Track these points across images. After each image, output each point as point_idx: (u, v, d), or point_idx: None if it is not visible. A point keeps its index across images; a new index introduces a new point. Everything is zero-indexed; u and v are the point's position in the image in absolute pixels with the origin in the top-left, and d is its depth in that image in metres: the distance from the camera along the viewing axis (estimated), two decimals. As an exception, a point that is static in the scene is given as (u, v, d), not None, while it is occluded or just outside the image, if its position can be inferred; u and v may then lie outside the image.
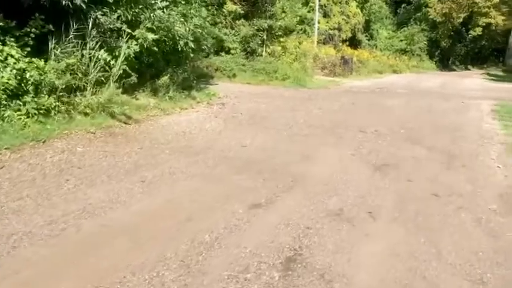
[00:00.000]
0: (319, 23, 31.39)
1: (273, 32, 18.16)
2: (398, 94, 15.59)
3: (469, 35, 39.42)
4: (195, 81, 11.30)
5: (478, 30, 37.34)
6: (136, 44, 8.31)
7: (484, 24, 36.96)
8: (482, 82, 26.38)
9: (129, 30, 8.19)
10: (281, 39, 18.74)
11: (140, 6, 8.29)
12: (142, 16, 8.41)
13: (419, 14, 40.94)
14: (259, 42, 17.80)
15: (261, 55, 17.87)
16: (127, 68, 8.20)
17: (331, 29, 33.09)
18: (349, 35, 34.52)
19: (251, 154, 6.31)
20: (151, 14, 8.37)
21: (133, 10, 8.20)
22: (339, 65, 24.81)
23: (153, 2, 8.60)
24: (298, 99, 12.81)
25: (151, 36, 8.28)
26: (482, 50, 47.26)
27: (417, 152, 6.71)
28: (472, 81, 26.86)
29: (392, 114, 10.55)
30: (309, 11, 30.73)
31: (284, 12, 18.90)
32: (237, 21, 17.28)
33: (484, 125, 9.11)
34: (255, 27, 17.42)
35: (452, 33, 40.06)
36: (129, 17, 8.12)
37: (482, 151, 6.86)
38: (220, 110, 9.93)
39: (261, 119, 9.19)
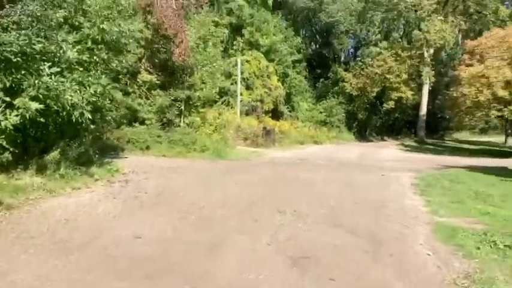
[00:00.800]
0: (241, 95, 31.65)
1: (191, 102, 17.51)
2: (319, 166, 15.23)
3: (383, 108, 41.75)
4: (96, 156, 10.02)
5: (391, 104, 39.71)
6: (17, 115, 7.04)
7: (396, 98, 39.43)
8: (398, 153, 27.36)
9: (7, 99, 6.93)
10: (200, 110, 18.10)
11: (23, 72, 7.12)
12: (25, 83, 7.21)
13: (336, 88, 43.09)
14: (177, 112, 17.00)
15: (179, 126, 17.01)
16: (3, 142, 6.84)
17: (254, 101, 33.42)
18: (271, 106, 35.05)
19: (144, 249, 5.13)
20: (37, 81, 7.20)
21: (13, 76, 7.00)
22: (261, 135, 24.62)
23: (41, 67, 7.47)
24: (215, 173, 11.89)
25: (34, 105, 7.06)
26: (396, 122, 50.26)
27: (340, 238, 5.89)
28: (389, 151, 27.78)
29: (312, 189, 9.89)
30: (231, 83, 30.89)
31: (204, 83, 18.45)
32: (152, 91, 16.43)
33: (406, 201, 8.65)
34: (172, 97, 16.66)
35: (368, 106, 42.33)
36: (8, 84, 6.88)
37: (409, 234, 6.20)
38: (122, 188, 8.68)
39: (168, 199, 8.06)
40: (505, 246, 5.57)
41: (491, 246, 5.60)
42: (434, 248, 5.52)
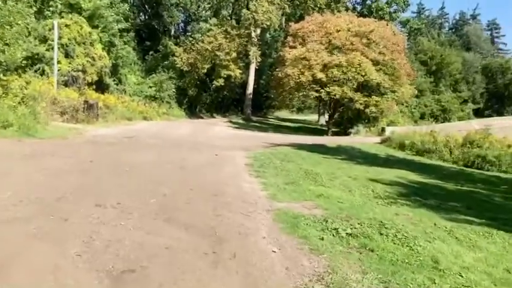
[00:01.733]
0: (60, 63, 27.94)
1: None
2: (149, 145, 13.94)
3: (213, 85, 41.82)
4: None
5: (221, 81, 39.93)
6: None
7: (225, 75, 39.77)
8: (228, 130, 27.56)
9: None
10: (2, 77, 14.93)
11: None
12: None
13: (167, 62, 41.49)
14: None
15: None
16: None
17: (75, 71, 29.94)
18: (95, 78, 31.92)
19: None
20: None
21: None
22: (82, 110, 21.92)
23: None
24: (15, 157, 9.63)
25: None
26: (225, 100, 51.10)
27: (173, 238, 4.88)
28: (220, 129, 27.78)
29: (141, 174, 8.64)
30: (47, 49, 27.03)
31: (6, 44, 15.22)
32: None
33: (243, 185, 8.08)
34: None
35: (198, 82, 41.86)
36: None
37: (251, 225, 5.53)
38: None
39: None
40: (347, 234, 5.30)
41: (333, 235, 5.28)
42: (280, 243, 4.93)
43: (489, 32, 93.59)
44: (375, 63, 29.06)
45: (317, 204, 6.78)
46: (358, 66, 27.72)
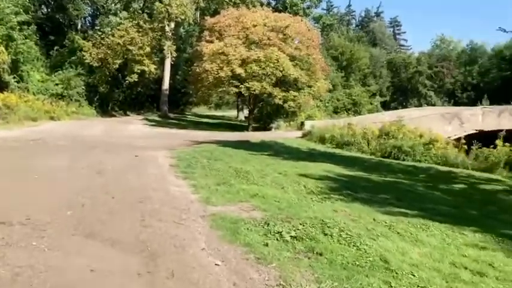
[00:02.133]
0: None
1: None
2: (59, 148, 12.63)
3: (126, 81, 39.83)
4: None
5: (134, 77, 38.05)
6: None
7: (139, 71, 38.01)
8: (145, 128, 26.30)
9: None
10: None
11: None
12: None
13: (74, 58, 38.68)
14: None
15: None
16: None
17: (-33, 67, 26.98)
18: None
19: None
20: None
21: None
22: (-24, 111, 19.57)
23: None
24: None
25: None
26: (139, 96, 49.02)
27: (98, 257, 4.18)
28: (136, 127, 26.40)
29: (53, 182, 7.64)
30: None
31: None
32: None
33: (172, 189, 7.42)
34: None
35: (109, 78, 39.59)
36: None
37: (187, 235, 4.96)
38: None
39: None
40: (291, 237, 4.94)
41: (278, 239, 4.89)
42: (222, 254, 4.42)
43: (391, 29, 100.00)
44: (292, 58, 29.41)
45: (254, 206, 6.36)
46: (276, 61, 27.83)
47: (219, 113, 64.76)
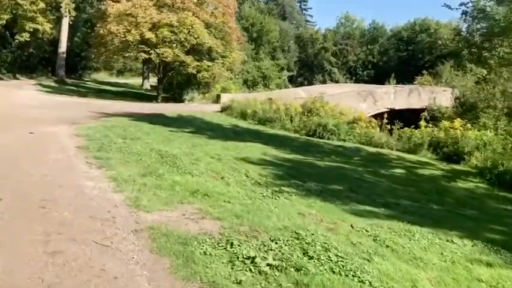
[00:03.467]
0: None
1: None
2: None
3: (16, 41, 34.79)
4: None
5: (25, 36, 33.23)
6: None
7: (31, 29, 33.25)
8: (40, 95, 22.86)
9: None
10: None
11: None
12: None
13: (-51, 8, 32.67)
14: None
15: None
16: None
17: None
18: None
19: None
20: None
21: None
22: None
23: None
24: None
25: None
26: (31, 58, 43.49)
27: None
28: (28, 93, 22.84)
29: None
30: None
31: None
32: None
33: (85, 184, 5.60)
34: None
35: (-5, 36, 34.28)
36: None
37: (120, 271, 3.36)
38: None
39: None
40: (269, 267, 3.59)
41: (252, 271, 3.51)
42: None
43: (299, 4, 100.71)
44: (207, 25, 27.47)
45: (202, 210, 4.89)
46: (190, 27, 25.73)
47: (121, 80, 60.01)
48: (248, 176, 7.38)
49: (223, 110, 19.84)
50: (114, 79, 59.90)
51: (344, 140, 15.90)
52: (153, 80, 48.25)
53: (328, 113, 18.25)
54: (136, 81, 57.04)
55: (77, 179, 5.80)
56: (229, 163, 8.29)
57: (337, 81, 66.42)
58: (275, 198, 6.04)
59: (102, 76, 60.03)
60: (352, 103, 22.64)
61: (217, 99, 25.51)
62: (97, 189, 5.40)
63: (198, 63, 26.87)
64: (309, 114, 17.87)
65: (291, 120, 17.70)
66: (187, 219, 4.55)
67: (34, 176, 5.74)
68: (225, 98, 24.28)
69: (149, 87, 47.62)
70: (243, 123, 17.12)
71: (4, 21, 32.37)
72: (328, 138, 15.93)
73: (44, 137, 8.79)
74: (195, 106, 23.30)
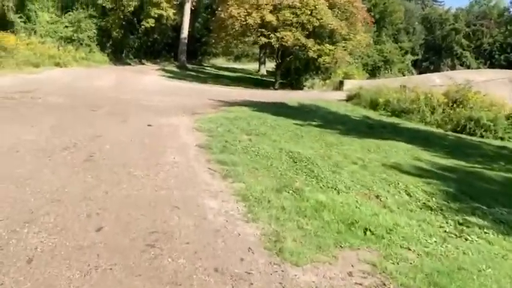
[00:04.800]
0: None
1: None
2: (48, 107, 9.48)
3: (142, 27, 36.14)
4: None
5: (151, 22, 34.34)
6: None
7: (156, 15, 34.22)
8: (162, 80, 23.01)
9: None
10: None
11: None
12: None
13: (86, -2, 34.87)
14: None
15: None
16: None
17: (-36, 3, 23.91)
18: None
19: None
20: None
21: None
22: (-38, 53, 16.50)
23: None
24: None
25: None
26: (155, 44, 45.33)
27: None
28: (151, 79, 23.14)
29: (11, 175, 4.58)
30: None
31: None
32: None
33: (208, 206, 4.28)
34: None
35: (124, 22, 35.85)
36: None
37: None
38: None
39: None
40: None
41: None
42: None
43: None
44: (330, 5, 25.41)
45: (374, 266, 3.24)
46: (313, 7, 23.95)
47: (238, 65, 60.31)
48: (410, 194, 5.55)
49: (349, 98, 17.83)
50: (231, 64, 60.49)
51: (502, 139, 13.06)
52: (269, 66, 47.55)
53: (477, 104, 15.30)
54: (252, 66, 56.92)
55: (198, 195, 4.50)
56: (378, 172, 6.50)
57: (468, 67, 59.92)
58: (466, 239, 4.17)
59: (220, 61, 61.04)
60: (503, 92, 19.07)
61: (339, 86, 23.55)
62: (223, 214, 4.02)
63: (319, 47, 25.05)
64: (454, 106, 15.12)
65: (432, 112, 15.13)
66: (355, 285, 2.93)
67: (145, 188, 4.57)
68: (349, 85, 22.21)
69: (265, 73, 46.99)
70: (374, 115, 15.02)
71: (132, 8, 33.66)
72: (482, 136, 13.21)
73: (163, 130, 7.81)
74: (316, 94, 21.59)
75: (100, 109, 9.79)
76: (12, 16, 28.38)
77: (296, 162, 6.36)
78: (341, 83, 23.25)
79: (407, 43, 60.08)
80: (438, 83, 21.10)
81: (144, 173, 5.02)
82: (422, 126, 13.83)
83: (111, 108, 10.09)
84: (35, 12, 31.52)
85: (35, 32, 29.71)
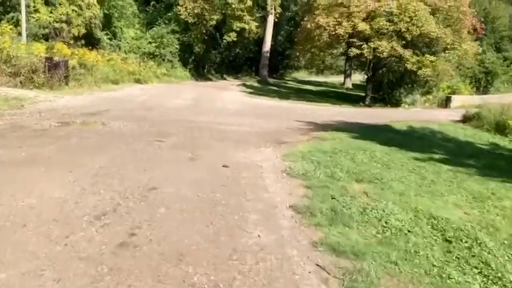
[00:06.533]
0: (38, 12, 22.72)
1: None
2: (108, 138, 7.83)
3: (224, 41, 35.13)
4: None
5: (233, 36, 33.14)
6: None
7: (238, 29, 32.97)
8: (242, 97, 21.33)
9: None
10: None
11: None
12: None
13: (170, 14, 34.54)
14: None
15: None
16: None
17: (57, 22, 24.22)
18: (83, 31, 26.15)
19: None
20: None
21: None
22: (42, 70, 15.87)
23: None
24: None
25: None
26: (237, 59, 44.44)
27: None
28: (231, 95, 21.56)
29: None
30: (20, -6, 21.43)
31: None
32: None
33: None
34: None
35: (206, 37, 35.08)
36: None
37: None
38: None
39: None
40: None
41: None
42: None
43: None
44: (433, 10, 22.25)
45: None
46: (413, 14, 21.00)
47: (320, 78, 57.58)
48: None
49: (466, 119, 14.68)
50: (313, 78, 58.02)
51: None
52: (354, 78, 44.60)
53: None
54: (336, 79, 54.15)
55: None
56: None
57: None
58: None
59: (302, 75, 58.93)
60: None
61: (446, 102, 20.30)
62: None
63: (418, 58, 21.96)
64: None
65: None
66: None
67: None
68: (457, 101, 18.99)
69: (351, 86, 44.14)
70: (504, 142, 11.90)
71: (214, 22, 32.69)
72: None
73: (241, 175, 5.67)
74: (419, 112, 18.58)
75: (168, 138, 7.96)
76: (99, 33, 28.58)
77: (451, 242, 3.93)
78: (448, 99, 19.99)
79: (512, 53, 53.89)
80: None
81: (209, 280, 2.89)
82: None
83: (180, 138, 8.24)
84: (121, 28, 31.73)
85: (119, 49, 29.76)
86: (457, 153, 9.27)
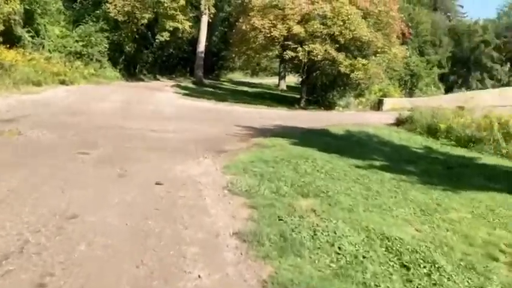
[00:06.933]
0: None
1: None
2: (22, 152, 6.84)
3: (156, 41, 33.89)
4: None
5: (166, 35, 31.96)
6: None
7: (171, 29, 31.90)
8: (177, 99, 20.50)
9: None
10: None
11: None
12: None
13: (98, 12, 32.67)
14: None
15: None
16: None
17: (-31, 17, 21.93)
18: (1, 27, 23.87)
19: None
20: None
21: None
22: (-52, 71, 14.19)
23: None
24: None
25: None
26: (171, 59, 43.17)
27: None
28: (166, 96, 20.69)
29: None
30: None
31: None
32: None
33: None
34: None
35: (137, 36, 33.62)
36: None
37: None
38: None
39: None
40: None
41: None
42: None
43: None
44: (364, 15, 22.75)
45: None
46: (346, 17, 21.31)
47: (256, 80, 57.65)
48: None
49: (399, 122, 14.99)
50: (248, 79, 57.95)
51: None
52: (289, 80, 44.99)
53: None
54: (270, 81, 54.48)
55: None
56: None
57: (499, 80, 57.02)
58: None
59: (237, 76, 58.71)
60: None
61: (378, 105, 20.78)
62: None
63: (351, 61, 22.35)
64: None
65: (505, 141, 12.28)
66: None
67: None
68: (389, 104, 19.50)
69: (285, 88, 44.54)
70: (436, 145, 12.20)
71: (146, 21, 31.41)
72: None
73: (178, 195, 5.08)
74: (353, 115, 18.86)
75: (93, 150, 7.15)
76: (19, 30, 26.34)
77: (409, 269, 3.63)
78: (380, 102, 20.48)
79: (434, 56, 57.12)
80: (492, 102, 18.27)
81: None
82: (503, 161, 10.97)
83: (108, 149, 7.45)
84: (45, 26, 29.47)
85: (43, 47, 27.64)
86: (395, 159, 9.26)
